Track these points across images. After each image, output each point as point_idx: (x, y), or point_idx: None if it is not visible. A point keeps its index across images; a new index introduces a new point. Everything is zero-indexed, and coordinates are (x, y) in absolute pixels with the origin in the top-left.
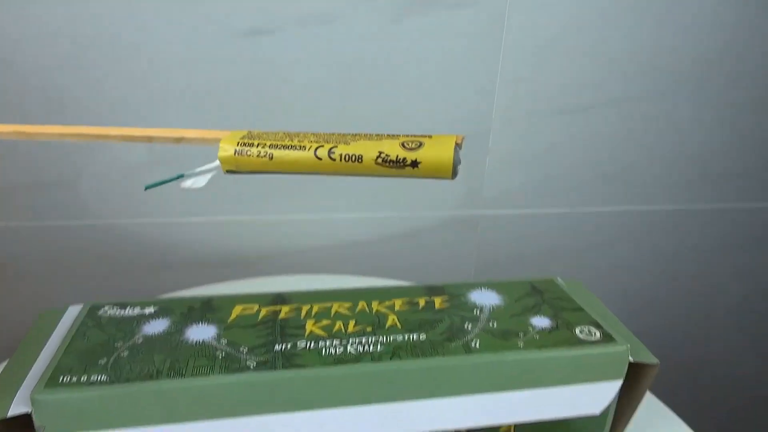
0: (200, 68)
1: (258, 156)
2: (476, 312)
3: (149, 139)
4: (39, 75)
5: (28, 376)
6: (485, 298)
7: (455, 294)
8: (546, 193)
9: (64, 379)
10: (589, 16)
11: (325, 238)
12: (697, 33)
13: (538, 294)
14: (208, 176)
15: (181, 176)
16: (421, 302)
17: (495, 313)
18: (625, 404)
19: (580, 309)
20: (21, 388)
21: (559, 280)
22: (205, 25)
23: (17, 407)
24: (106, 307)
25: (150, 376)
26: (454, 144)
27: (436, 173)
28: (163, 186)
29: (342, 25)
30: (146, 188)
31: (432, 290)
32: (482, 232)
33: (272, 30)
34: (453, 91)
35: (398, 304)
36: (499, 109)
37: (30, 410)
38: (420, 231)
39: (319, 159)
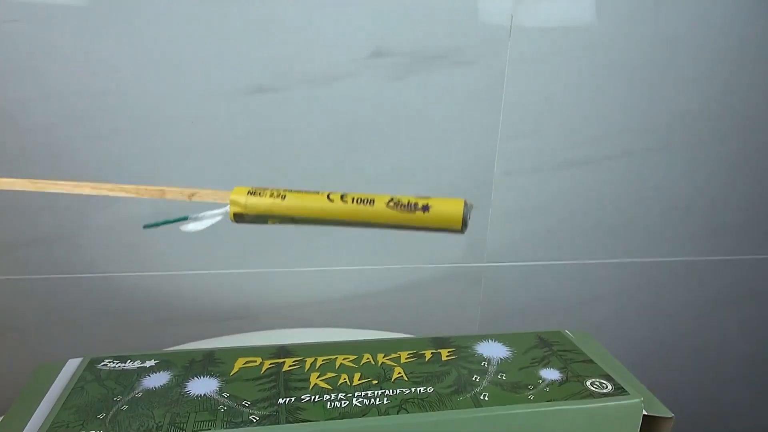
0: (206, 125)
1: (271, 196)
2: (484, 364)
3: (162, 193)
4: (45, 131)
5: (25, 431)
6: (492, 350)
7: (462, 346)
8: (548, 246)
9: None
10: (587, 74)
11: (328, 290)
12: (693, 89)
13: (546, 346)
14: (212, 221)
15: (185, 218)
16: (428, 354)
17: (503, 365)
18: None
19: (590, 361)
20: None
21: (567, 332)
22: (210, 83)
23: None
24: (106, 361)
25: (150, 431)
26: (463, 200)
27: (446, 219)
28: (165, 239)
29: (346, 84)
30: (145, 227)
31: (438, 342)
32: (486, 284)
33: (277, 88)
34: (455, 145)
35: (404, 356)
36: (500, 163)
37: None
38: (424, 283)
39: (331, 201)
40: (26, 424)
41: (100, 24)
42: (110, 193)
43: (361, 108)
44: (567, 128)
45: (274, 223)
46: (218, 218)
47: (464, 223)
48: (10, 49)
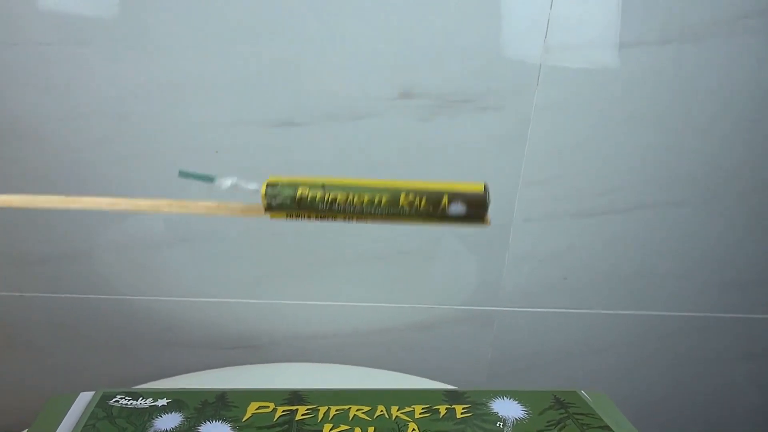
0: (230, 155)
1: (308, 182)
2: (499, 425)
3: (184, 208)
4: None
5: None
6: (508, 409)
7: (476, 402)
8: (562, 293)
9: None
10: (611, 123)
11: (337, 324)
12: (713, 142)
13: (562, 407)
14: (237, 186)
15: (213, 179)
16: (442, 410)
17: (519, 427)
18: None
19: (607, 428)
20: None
21: (583, 393)
22: (237, 113)
23: None
24: (118, 397)
25: None
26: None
27: (470, 190)
28: (179, 263)
29: (371, 123)
30: (180, 174)
31: (452, 396)
32: (498, 328)
33: (303, 123)
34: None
35: (418, 410)
36: (520, 208)
37: None
38: (436, 323)
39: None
40: None
41: (130, 48)
42: (133, 209)
43: (385, 147)
44: (588, 177)
45: (303, 200)
46: (245, 189)
47: (486, 201)
48: (43, 70)
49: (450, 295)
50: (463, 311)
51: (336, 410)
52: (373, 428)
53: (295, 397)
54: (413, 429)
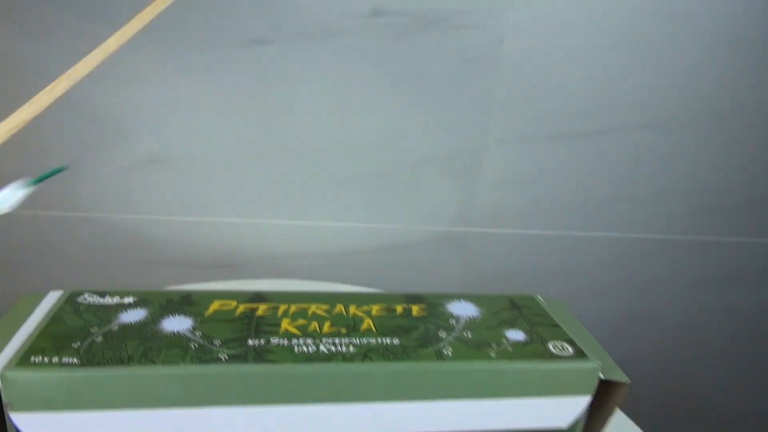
0: (203, 74)
1: None
2: (452, 321)
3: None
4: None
5: (1, 355)
6: (463, 309)
7: (434, 303)
8: (536, 216)
9: (36, 359)
10: (587, 46)
11: (315, 244)
12: (695, 67)
13: (516, 309)
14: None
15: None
16: (399, 309)
17: (471, 324)
18: (595, 420)
19: (557, 326)
20: None
21: (540, 298)
22: (206, 33)
23: None
24: (86, 295)
25: (121, 362)
26: None
27: None
28: (159, 184)
29: (344, 41)
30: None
31: (411, 298)
32: (472, 249)
33: (274, 41)
34: (450, 109)
35: (375, 309)
36: (494, 130)
37: None
38: (411, 244)
39: None
40: (2, 350)
41: None
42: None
43: (357, 66)
44: (563, 99)
45: None
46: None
47: None
48: None
49: (425, 217)
50: (438, 233)
51: (295, 308)
52: (329, 323)
53: (258, 296)
54: (368, 324)
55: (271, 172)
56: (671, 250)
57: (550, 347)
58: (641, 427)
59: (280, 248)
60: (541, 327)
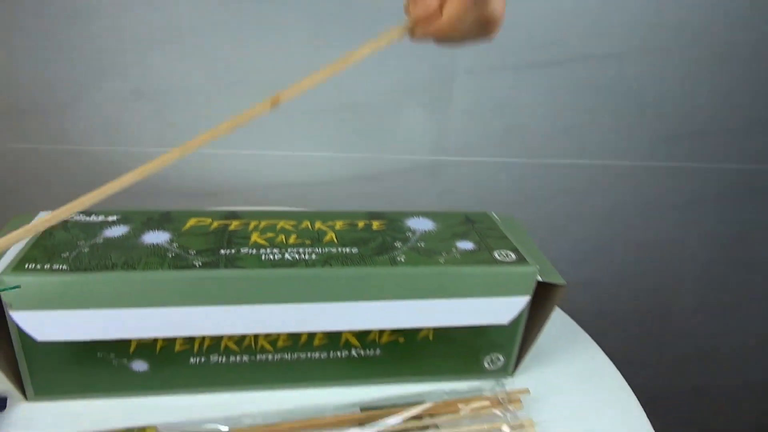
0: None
1: None
2: (409, 234)
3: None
4: None
5: None
6: (420, 224)
7: (394, 219)
8: (505, 144)
9: (30, 266)
10: None
11: (292, 174)
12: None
13: (470, 223)
14: None
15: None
16: (360, 224)
17: (425, 236)
18: (537, 318)
19: (505, 237)
20: None
21: (494, 215)
22: None
23: None
24: (73, 213)
25: (106, 268)
26: None
27: None
28: (142, 118)
29: None
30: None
31: (373, 215)
32: (444, 177)
33: None
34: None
35: (339, 224)
36: (463, 61)
37: None
38: (384, 173)
39: None
40: (0, 258)
41: None
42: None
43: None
44: (531, 29)
45: None
46: None
47: None
48: None
49: (397, 146)
50: (412, 161)
51: (265, 223)
52: (295, 236)
53: (231, 214)
54: (331, 237)
55: (249, 104)
56: (636, 176)
57: (495, 255)
58: (609, 349)
59: (258, 178)
60: (490, 238)
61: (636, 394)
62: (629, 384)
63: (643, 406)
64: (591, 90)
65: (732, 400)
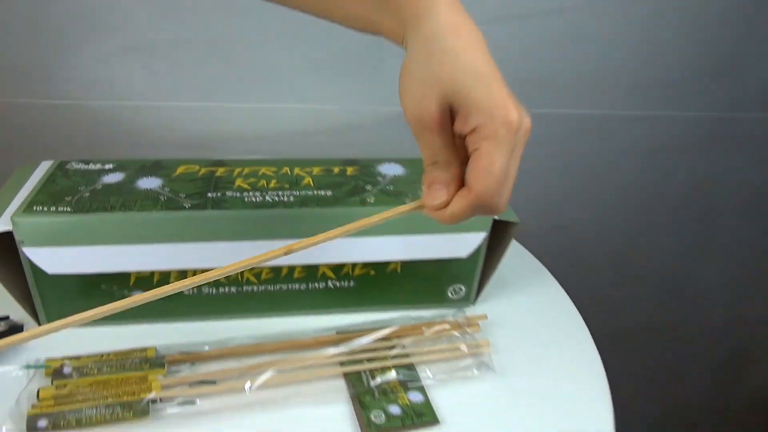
0: None
1: None
2: (379, 178)
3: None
4: None
5: (9, 207)
6: (391, 170)
7: (366, 165)
8: None
9: (37, 208)
10: None
11: (279, 126)
12: None
13: None
14: None
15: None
16: (336, 170)
17: (395, 180)
18: (495, 253)
19: None
20: (3, 215)
21: None
22: None
23: (1, 226)
24: (73, 163)
25: (105, 210)
26: None
27: None
28: (134, 73)
29: None
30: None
31: (348, 162)
32: None
33: None
34: None
35: (316, 170)
36: None
37: (11, 228)
38: (370, 124)
39: None
40: (10, 203)
41: None
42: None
43: None
44: None
45: None
46: None
47: None
48: None
49: (379, 97)
50: (392, 112)
51: (248, 170)
52: (275, 181)
53: (218, 162)
54: (308, 181)
55: (237, 58)
56: (606, 125)
57: None
58: (578, 289)
59: (246, 130)
60: None
61: (603, 330)
62: (595, 319)
63: (609, 341)
64: (560, 41)
65: (695, 339)
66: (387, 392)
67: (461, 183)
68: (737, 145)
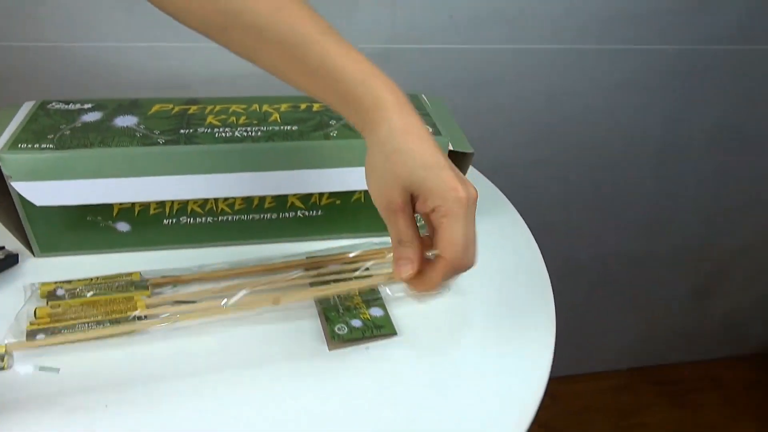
0: None
1: None
2: None
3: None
4: None
5: None
6: None
7: None
8: (450, 31)
9: (22, 145)
10: None
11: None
12: None
13: None
14: None
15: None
16: (303, 106)
17: None
18: None
19: (427, 115)
20: None
21: (423, 96)
22: None
23: None
24: (54, 103)
25: (85, 146)
26: None
27: None
28: (113, 13)
29: None
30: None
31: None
32: (393, 65)
33: None
34: None
35: (284, 106)
36: None
37: None
38: None
39: None
40: None
41: None
42: None
43: None
44: None
45: None
46: None
47: None
48: None
49: (353, 36)
50: (364, 50)
51: (220, 107)
52: (244, 117)
53: (191, 100)
54: (276, 117)
55: None
56: (582, 59)
57: None
58: (559, 224)
59: (222, 69)
60: None
61: (578, 258)
62: (571, 248)
63: (584, 270)
64: None
65: (667, 267)
66: (350, 309)
67: (422, 256)
68: (711, 78)
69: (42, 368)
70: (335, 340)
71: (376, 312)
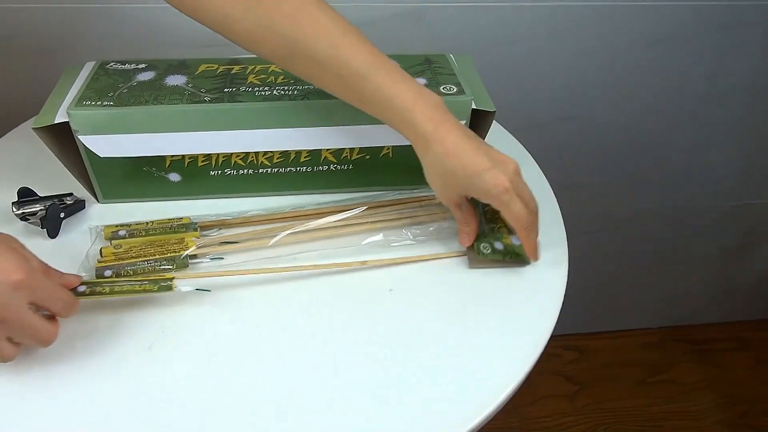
0: None
1: None
2: None
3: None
4: None
5: (64, 102)
6: None
7: None
8: None
9: (86, 102)
10: None
11: None
12: None
13: (427, 63)
14: None
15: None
16: None
17: None
18: None
19: (454, 74)
20: (60, 108)
21: (451, 56)
22: None
23: (60, 117)
24: (112, 63)
25: (141, 103)
26: None
27: None
28: None
29: None
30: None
31: None
32: (427, 23)
33: None
34: None
35: None
36: None
37: (68, 119)
38: (371, 20)
39: None
40: (65, 98)
41: None
42: None
43: None
44: None
45: None
46: None
47: None
48: None
49: None
50: (396, 8)
51: (260, 67)
52: (282, 77)
53: (234, 61)
54: None
55: None
56: (615, 14)
57: (441, 89)
58: (588, 181)
59: None
60: (441, 75)
61: (611, 215)
62: (600, 205)
63: (615, 225)
64: None
65: (703, 224)
66: (494, 231)
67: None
68: (745, 32)
69: (198, 289)
70: (480, 257)
71: (515, 240)
